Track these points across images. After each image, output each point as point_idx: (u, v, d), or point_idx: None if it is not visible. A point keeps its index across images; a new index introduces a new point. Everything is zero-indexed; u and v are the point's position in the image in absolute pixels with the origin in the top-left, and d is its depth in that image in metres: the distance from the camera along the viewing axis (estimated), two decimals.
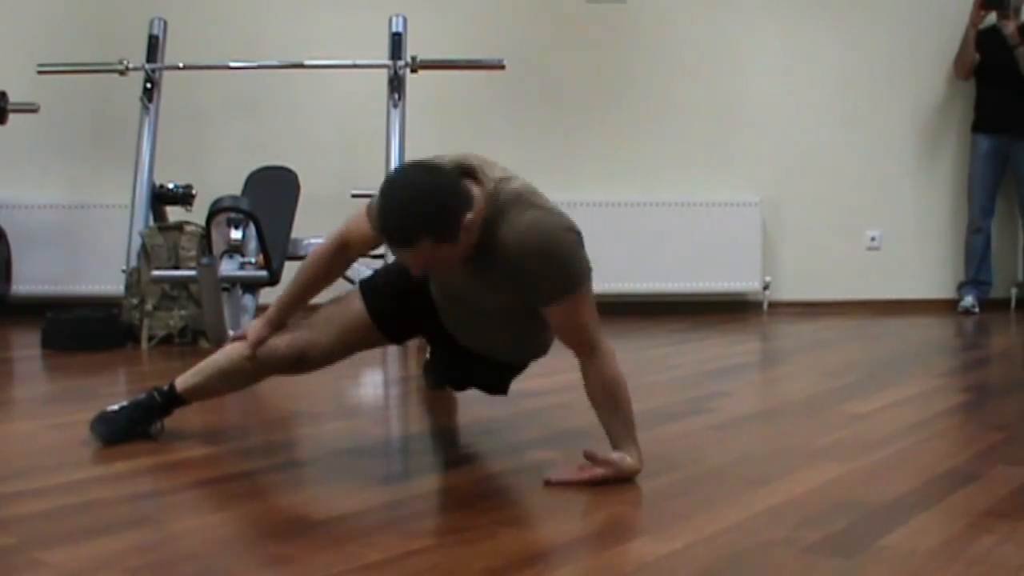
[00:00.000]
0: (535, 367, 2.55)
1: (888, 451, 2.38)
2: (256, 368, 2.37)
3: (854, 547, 1.69)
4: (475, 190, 2.01)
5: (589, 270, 2.08)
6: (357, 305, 2.35)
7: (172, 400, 2.45)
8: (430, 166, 1.95)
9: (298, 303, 2.37)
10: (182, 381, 2.44)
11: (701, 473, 2.19)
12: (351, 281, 4.12)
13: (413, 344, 4.09)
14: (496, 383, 2.55)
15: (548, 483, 2.08)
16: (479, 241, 2.02)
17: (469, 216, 1.95)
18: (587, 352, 2.11)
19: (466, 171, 2.04)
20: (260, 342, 2.34)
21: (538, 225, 2.00)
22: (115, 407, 2.44)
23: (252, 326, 2.37)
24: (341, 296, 2.42)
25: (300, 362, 2.35)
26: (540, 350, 2.41)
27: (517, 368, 2.50)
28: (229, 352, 2.40)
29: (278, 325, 2.37)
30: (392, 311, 2.37)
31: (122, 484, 2.07)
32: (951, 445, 2.45)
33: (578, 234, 2.06)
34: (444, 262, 1.99)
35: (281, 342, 2.34)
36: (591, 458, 2.09)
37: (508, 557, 1.64)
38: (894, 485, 2.08)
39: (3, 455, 2.33)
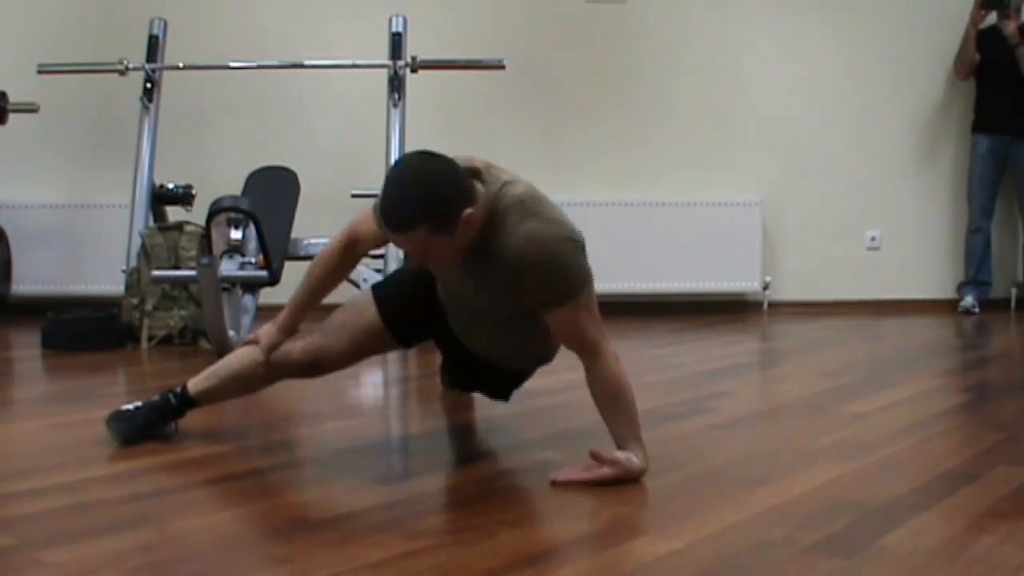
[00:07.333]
0: None
1: (888, 451, 2.38)
2: (269, 373, 2.38)
3: (854, 547, 1.69)
4: (479, 188, 2.01)
5: (589, 277, 2.08)
6: (370, 310, 2.36)
7: (185, 403, 2.45)
8: (435, 156, 1.96)
9: (308, 304, 2.37)
10: (194, 384, 2.44)
11: (701, 473, 2.19)
12: (355, 284, 4.12)
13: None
14: (499, 389, 2.55)
15: (554, 482, 2.07)
16: (479, 243, 2.03)
17: (469, 211, 1.95)
18: (589, 355, 2.11)
19: (471, 171, 2.05)
20: (273, 347, 2.35)
21: (537, 235, 2.00)
22: (130, 406, 2.43)
23: (265, 331, 2.38)
24: (353, 301, 2.42)
25: (314, 367, 2.36)
26: (544, 357, 2.41)
27: (521, 375, 2.50)
28: (242, 356, 2.41)
29: (291, 329, 2.37)
30: (404, 316, 2.37)
31: (122, 484, 2.07)
32: (951, 445, 2.45)
33: (579, 242, 2.06)
34: (439, 254, 1.99)
35: (294, 347, 2.35)
36: (596, 457, 2.09)
37: (509, 557, 1.64)
38: (894, 485, 2.08)
39: (3, 455, 2.33)
